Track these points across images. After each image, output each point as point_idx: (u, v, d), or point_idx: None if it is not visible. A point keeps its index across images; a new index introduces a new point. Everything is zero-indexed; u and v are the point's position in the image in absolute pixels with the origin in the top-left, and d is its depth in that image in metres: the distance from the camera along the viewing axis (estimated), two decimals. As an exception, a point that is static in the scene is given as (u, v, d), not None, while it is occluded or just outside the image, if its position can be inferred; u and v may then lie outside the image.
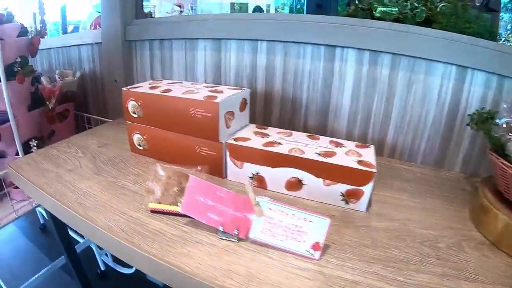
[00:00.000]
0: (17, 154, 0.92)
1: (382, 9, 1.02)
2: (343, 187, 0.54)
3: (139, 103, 0.69)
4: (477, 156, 0.69)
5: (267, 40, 0.79)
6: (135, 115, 0.71)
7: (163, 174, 0.56)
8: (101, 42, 1.03)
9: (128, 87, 0.71)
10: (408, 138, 0.73)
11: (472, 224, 0.53)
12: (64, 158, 0.76)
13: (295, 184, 0.58)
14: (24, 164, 0.74)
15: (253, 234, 0.46)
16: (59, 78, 1.06)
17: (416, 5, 0.77)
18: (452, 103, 0.68)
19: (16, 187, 0.88)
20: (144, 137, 0.72)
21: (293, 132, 0.68)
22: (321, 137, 0.65)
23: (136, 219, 0.53)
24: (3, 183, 0.86)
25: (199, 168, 0.56)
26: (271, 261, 0.43)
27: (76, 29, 1.49)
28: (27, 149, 0.91)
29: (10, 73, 0.87)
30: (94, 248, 1.23)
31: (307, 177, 0.56)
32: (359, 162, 0.54)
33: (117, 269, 1.24)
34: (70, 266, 0.92)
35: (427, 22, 0.84)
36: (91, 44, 1.09)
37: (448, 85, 0.67)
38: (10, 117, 0.86)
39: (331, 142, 0.63)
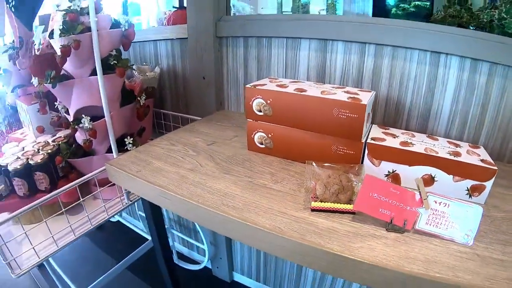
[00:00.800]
0: (108, 151, 0.90)
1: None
2: (469, 183, 0.59)
3: (268, 101, 0.68)
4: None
5: (375, 44, 0.81)
6: (261, 113, 0.70)
7: (321, 173, 0.56)
8: (185, 38, 1.02)
9: (252, 84, 0.71)
10: (498, 141, 0.77)
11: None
12: (176, 156, 0.74)
13: (428, 181, 0.62)
14: (129, 162, 0.71)
15: (419, 225, 0.51)
16: (137, 73, 1.04)
17: (504, 16, 0.79)
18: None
19: (111, 185, 0.86)
20: (270, 135, 0.72)
21: (414, 133, 0.71)
22: (438, 138, 0.69)
23: (300, 218, 0.53)
24: (96, 183, 0.84)
25: (356, 167, 0.56)
26: (437, 247, 0.48)
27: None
28: (120, 147, 0.88)
29: (105, 67, 0.85)
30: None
31: (439, 174, 0.60)
32: (482, 160, 0.59)
33: (183, 266, 1.23)
34: (160, 254, 0.94)
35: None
36: (171, 39, 1.07)
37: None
38: (106, 112, 0.84)
39: (449, 142, 0.67)
